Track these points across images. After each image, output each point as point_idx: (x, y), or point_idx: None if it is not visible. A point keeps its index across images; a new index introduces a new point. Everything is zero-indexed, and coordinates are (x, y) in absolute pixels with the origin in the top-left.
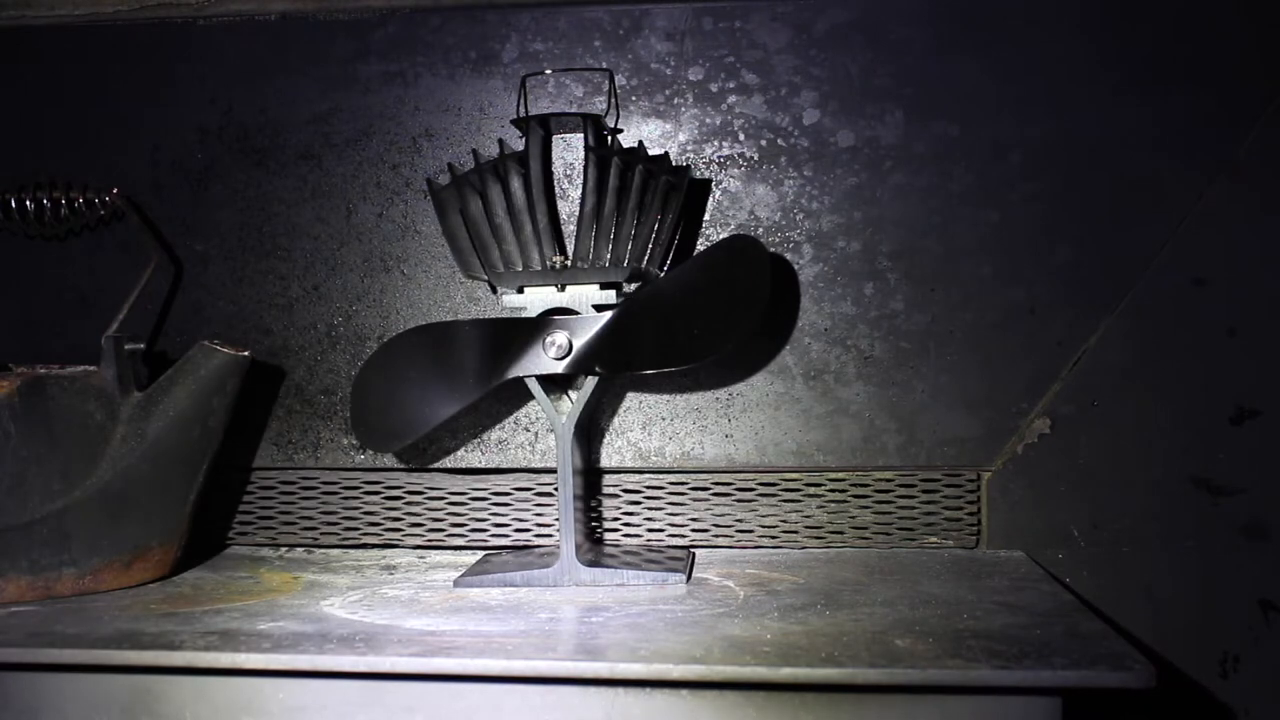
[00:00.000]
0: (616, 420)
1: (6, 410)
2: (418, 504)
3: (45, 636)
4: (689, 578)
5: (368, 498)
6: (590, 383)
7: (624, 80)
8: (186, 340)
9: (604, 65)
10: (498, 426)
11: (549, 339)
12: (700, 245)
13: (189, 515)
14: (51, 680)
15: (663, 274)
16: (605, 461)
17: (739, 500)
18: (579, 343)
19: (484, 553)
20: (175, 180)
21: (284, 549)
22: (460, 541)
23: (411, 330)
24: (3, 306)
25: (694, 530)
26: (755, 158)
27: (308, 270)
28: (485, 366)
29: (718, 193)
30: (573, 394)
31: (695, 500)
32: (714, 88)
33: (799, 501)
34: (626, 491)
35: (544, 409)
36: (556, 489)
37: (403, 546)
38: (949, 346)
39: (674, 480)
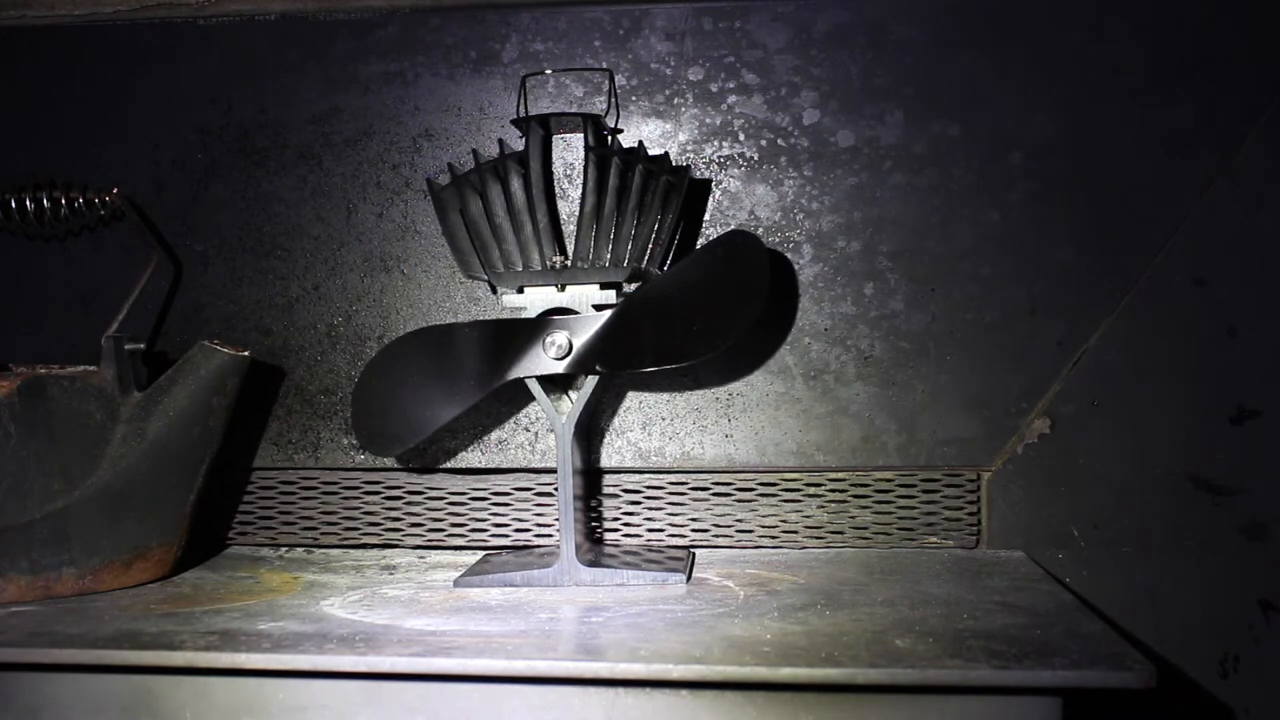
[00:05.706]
0: (616, 420)
1: (6, 410)
2: (418, 504)
3: (45, 636)
4: (689, 578)
5: (368, 498)
6: (590, 382)
7: (624, 80)
8: (186, 340)
9: (604, 65)
10: (498, 426)
11: (549, 339)
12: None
13: (189, 515)
14: (52, 680)
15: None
16: (605, 461)
17: (739, 500)
18: (579, 342)
19: (484, 553)
20: (175, 180)
21: (284, 549)
22: (460, 541)
23: (411, 333)
24: (3, 306)
25: (694, 530)
26: (755, 158)
27: (308, 270)
28: (485, 368)
29: (718, 193)
30: (573, 394)
31: (695, 500)
32: (714, 88)
33: (799, 501)
34: (626, 491)
35: (544, 409)
36: (556, 489)
37: (403, 546)
38: (949, 346)
39: (674, 480)
